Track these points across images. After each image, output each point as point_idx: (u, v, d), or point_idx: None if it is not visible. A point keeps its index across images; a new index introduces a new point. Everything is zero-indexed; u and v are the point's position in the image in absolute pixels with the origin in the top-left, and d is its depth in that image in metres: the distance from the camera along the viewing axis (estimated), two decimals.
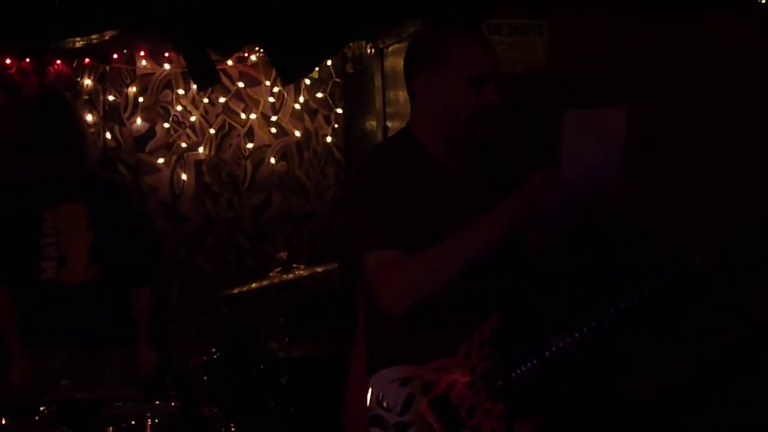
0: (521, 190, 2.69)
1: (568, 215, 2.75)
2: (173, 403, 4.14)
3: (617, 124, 2.65)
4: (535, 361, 2.76)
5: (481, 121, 2.85)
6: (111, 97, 5.92)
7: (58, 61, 5.76)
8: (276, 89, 6.29)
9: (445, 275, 2.72)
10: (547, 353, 2.76)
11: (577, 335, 2.74)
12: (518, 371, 2.78)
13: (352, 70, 6.29)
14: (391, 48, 5.75)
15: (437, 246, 2.72)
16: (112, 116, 5.92)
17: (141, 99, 5.99)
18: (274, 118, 6.31)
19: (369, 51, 6.00)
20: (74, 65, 5.82)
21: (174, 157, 6.10)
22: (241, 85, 6.21)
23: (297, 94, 6.37)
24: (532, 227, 2.81)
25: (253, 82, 6.26)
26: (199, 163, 6.16)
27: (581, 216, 2.81)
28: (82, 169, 4.46)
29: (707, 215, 3.94)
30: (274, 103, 6.31)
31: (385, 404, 2.77)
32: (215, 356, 4.84)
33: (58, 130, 4.36)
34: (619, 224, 2.93)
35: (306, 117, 6.41)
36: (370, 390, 2.83)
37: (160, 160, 6.05)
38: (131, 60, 5.96)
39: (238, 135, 6.25)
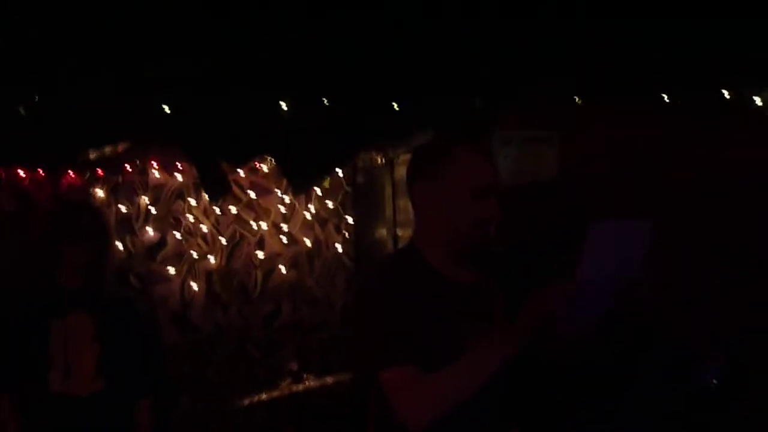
0: (530, 304, 2.67)
1: (585, 321, 2.74)
2: None
3: (638, 235, 2.66)
4: None
5: (483, 230, 2.85)
6: (123, 208, 5.94)
7: (71, 172, 5.79)
8: (287, 199, 6.32)
9: (462, 393, 2.70)
10: None
11: None
12: None
13: (362, 180, 6.33)
14: (401, 158, 5.80)
15: (454, 365, 2.70)
16: (123, 227, 5.93)
17: (153, 209, 6.02)
18: (285, 227, 6.33)
19: (379, 161, 6.05)
20: (87, 176, 5.85)
21: (185, 267, 6.10)
22: (252, 195, 6.24)
23: (308, 203, 6.40)
24: (548, 338, 2.77)
25: (264, 191, 6.29)
26: (209, 272, 6.16)
27: (599, 322, 2.79)
28: (102, 271, 4.47)
29: (719, 314, 3.91)
30: (285, 212, 6.34)
31: None
32: None
33: (90, 222, 4.40)
34: (638, 325, 2.92)
35: (317, 226, 6.43)
36: None
37: (171, 270, 6.05)
38: (143, 171, 5.99)
39: (249, 244, 6.26)
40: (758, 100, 4.61)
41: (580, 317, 2.67)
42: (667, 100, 4.65)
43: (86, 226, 4.38)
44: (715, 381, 2.72)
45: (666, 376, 2.92)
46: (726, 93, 4.65)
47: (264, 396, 5.00)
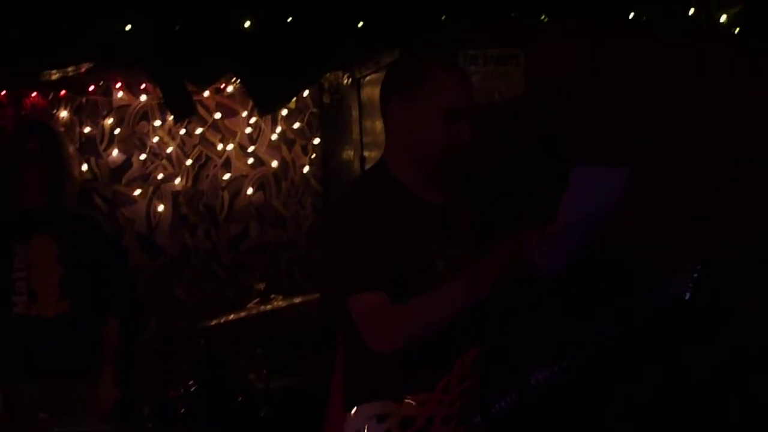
0: (508, 242, 2.65)
1: (559, 263, 2.74)
2: None
3: (618, 181, 2.66)
4: (514, 395, 2.73)
5: (455, 153, 2.83)
6: (87, 129, 5.88)
7: (34, 93, 5.72)
8: (253, 120, 6.28)
9: (433, 325, 2.71)
10: (528, 386, 2.73)
11: (557, 368, 2.71)
12: (498, 405, 2.75)
13: (329, 101, 6.29)
14: (367, 78, 5.76)
15: (423, 298, 2.70)
16: (88, 148, 5.89)
17: (117, 131, 5.96)
18: (251, 149, 6.30)
19: (346, 81, 6.01)
20: (50, 97, 5.78)
21: (150, 189, 6.06)
22: (218, 116, 6.19)
23: (274, 124, 6.36)
24: (521, 276, 2.76)
25: (229, 112, 6.24)
26: (175, 194, 6.13)
27: (572, 262, 2.79)
28: (62, 193, 4.44)
29: (693, 245, 3.91)
30: (251, 133, 6.30)
31: None
32: (193, 388, 4.81)
33: (47, 145, 4.37)
34: (609, 255, 2.92)
35: (283, 147, 6.41)
36: (347, 425, 2.81)
37: (137, 192, 6.01)
38: (107, 92, 5.93)
39: (215, 166, 6.23)
40: (723, 18, 4.56)
41: (553, 260, 2.66)
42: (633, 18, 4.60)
43: (38, 149, 4.34)
44: (688, 293, 2.73)
45: (637, 292, 2.92)
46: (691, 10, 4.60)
47: (232, 316, 4.99)
